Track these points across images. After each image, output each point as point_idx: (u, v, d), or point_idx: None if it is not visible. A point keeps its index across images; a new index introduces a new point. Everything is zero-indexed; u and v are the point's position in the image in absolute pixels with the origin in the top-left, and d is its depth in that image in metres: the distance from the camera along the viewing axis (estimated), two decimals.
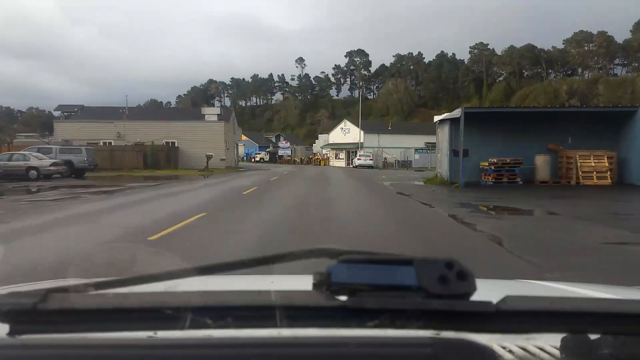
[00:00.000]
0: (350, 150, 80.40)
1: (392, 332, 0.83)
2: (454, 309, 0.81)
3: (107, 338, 0.86)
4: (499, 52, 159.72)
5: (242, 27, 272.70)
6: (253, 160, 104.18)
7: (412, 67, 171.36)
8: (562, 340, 0.92)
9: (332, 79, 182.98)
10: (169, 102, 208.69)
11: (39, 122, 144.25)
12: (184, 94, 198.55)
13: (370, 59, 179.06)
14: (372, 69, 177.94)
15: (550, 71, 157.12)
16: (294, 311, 0.83)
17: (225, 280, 1.94)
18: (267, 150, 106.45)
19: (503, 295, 0.84)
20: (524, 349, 1.04)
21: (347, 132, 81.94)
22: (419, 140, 77.67)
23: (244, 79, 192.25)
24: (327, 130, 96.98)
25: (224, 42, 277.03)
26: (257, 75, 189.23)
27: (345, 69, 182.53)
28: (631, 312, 0.84)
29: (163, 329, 0.87)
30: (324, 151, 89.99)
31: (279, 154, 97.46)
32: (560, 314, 0.83)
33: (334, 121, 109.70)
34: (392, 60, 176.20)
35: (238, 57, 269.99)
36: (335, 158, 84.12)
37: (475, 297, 0.84)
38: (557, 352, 0.96)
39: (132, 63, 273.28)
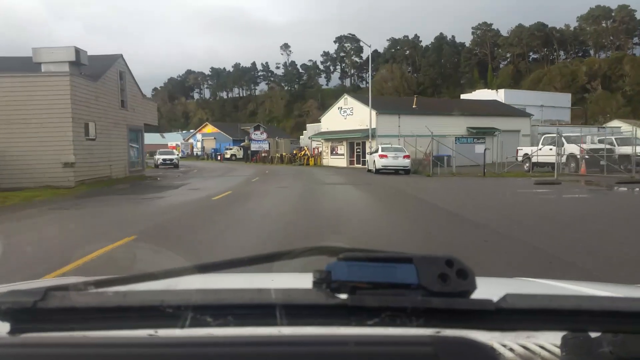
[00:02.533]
0: (355, 141, 48.71)
1: (392, 331, 0.79)
2: (454, 307, 0.77)
3: (107, 336, 0.82)
4: (504, 32, 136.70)
5: (226, 18, 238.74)
6: (220, 158, 72.73)
7: (407, 52, 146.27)
8: (563, 338, 0.88)
9: (321, 67, 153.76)
10: (145, 95, 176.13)
11: None
12: (160, 86, 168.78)
13: (361, 44, 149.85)
14: (364, 55, 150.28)
15: (561, 52, 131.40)
16: (294, 309, 0.79)
17: (226, 278, 1.73)
18: (241, 144, 75.38)
19: (503, 294, 0.80)
20: (524, 347, 0.98)
21: (348, 114, 50.16)
22: (458, 124, 46.31)
23: (224, 68, 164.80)
24: (319, 116, 66.93)
25: (206, 32, 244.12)
26: (239, 64, 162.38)
27: (334, 56, 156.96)
28: (631, 311, 0.80)
29: (163, 327, 0.83)
30: (315, 143, 58.54)
31: (252, 149, 65.70)
32: (560, 312, 0.79)
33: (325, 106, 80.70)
34: (386, 44, 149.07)
35: (219, 46, 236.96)
36: (332, 154, 52.68)
37: (475, 295, 0.79)
38: (557, 350, 0.91)
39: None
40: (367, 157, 37.24)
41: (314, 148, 60.09)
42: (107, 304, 0.82)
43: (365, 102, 47.97)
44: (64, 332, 0.81)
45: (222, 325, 0.78)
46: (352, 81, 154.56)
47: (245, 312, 0.79)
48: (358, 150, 48.69)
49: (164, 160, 47.91)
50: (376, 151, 33.64)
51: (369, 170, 34.78)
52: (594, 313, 0.78)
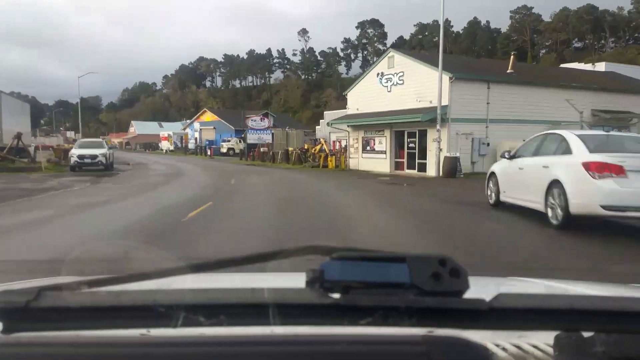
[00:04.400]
0: (407, 129, 26.38)
1: (385, 330, 0.75)
2: (446, 306, 0.74)
3: (100, 336, 0.79)
4: (546, 17, 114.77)
5: (243, 6, 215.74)
6: (210, 153, 51.24)
7: (436, 38, 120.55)
8: (556, 338, 0.83)
9: (341, 54, 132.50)
10: (155, 83, 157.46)
11: None
12: (171, 74, 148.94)
13: (385, 30, 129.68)
14: (388, 42, 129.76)
15: (611, 39, 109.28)
16: (287, 309, 0.76)
17: (219, 277, 1.63)
18: (242, 136, 53.93)
19: (496, 293, 0.78)
20: (517, 346, 0.94)
21: (395, 83, 27.83)
22: (573, 105, 23.96)
23: (238, 55, 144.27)
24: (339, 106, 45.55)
25: (220, 20, 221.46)
26: (254, 50, 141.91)
27: (356, 42, 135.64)
28: (624, 310, 0.78)
29: (156, 327, 0.79)
30: (334, 135, 36.81)
31: (249, 142, 43.81)
32: (553, 312, 0.76)
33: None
34: (413, 30, 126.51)
35: (233, 33, 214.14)
36: (366, 149, 30.22)
37: (468, 294, 0.76)
38: (550, 350, 0.87)
39: (132, 48, 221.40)
40: (497, 166, 11.74)
41: (334, 141, 38.09)
42: (100, 303, 0.79)
43: (427, 62, 25.79)
44: (57, 332, 0.78)
45: (215, 324, 0.75)
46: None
47: (238, 311, 0.76)
48: (412, 144, 26.49)
49: (82, 157, 26.27)
50: (513, 155, 10.73)
51: (498, 202, 11.29)
52: (587, 312, 0.76)
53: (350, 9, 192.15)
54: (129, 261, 5.67)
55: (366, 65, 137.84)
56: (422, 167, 25.51)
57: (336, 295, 0.75)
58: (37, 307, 0.76)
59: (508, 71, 26.90)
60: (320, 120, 66.80)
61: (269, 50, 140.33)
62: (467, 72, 25.86)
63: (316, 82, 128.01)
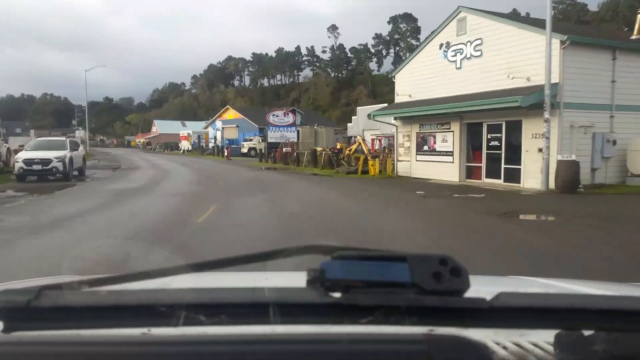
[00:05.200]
0: (488, 122, 17.19)
1: (386, 329, 0.74)
2: (447, 305, 0.73)
3: (101, 335, 0.77)
4: (593, 7, 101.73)
5: (272, 7, 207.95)
6: (227, 154, 43.32)
7: None
8: (556, 336, 0.82)
9: (372, 50, 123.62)
10: (183, 84, 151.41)
11: None
12: (200, 74, 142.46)
13: (419, 24, 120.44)
14: (422, 36, 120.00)
15: None
16: (288, 308, 0.75)
17: (220, 277, 1.61)
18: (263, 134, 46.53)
19: (497, 292, 0.76)
20: (518, 345, 0.91)
21: (470, 55, 18.92)
22: None
23: (266, 53, 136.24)
24: (370, 104, 37.35)
25: (249, 20, 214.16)
26: (282, 48, 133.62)
27: (388, 38, 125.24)
28: (625, 309, 0.77)
29: (157, 326, 0.78)
30: (368, 134, 28.59)
31: (269, 140, 35.54)
32: (554, 311, 0.75)
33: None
34: None
35: (262, 31, 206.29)
36: (421, 150, 21.91)
37: (469, 293, 0.75)
38: (551, 348, 0.85)
39: (163, 48, 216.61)
40: None
41: (372, 139, 29.72)
42: (100, 302, 0.78)
43: (518, 23, 17.21)
44: (58, 331, 0.76)
45: (216, 323, 0.73)
46: None
47: (239, 310, 0.75)
48: (495, 141, 17.89)
49: (30, 163, 18.46)
50: None
51: None
52: (588, 311, 0.74)
53: (381, 4, 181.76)
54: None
55: (398, 61, 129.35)
56: (513, 176, 16.85)
57: (337, 295, 0.73)
58: (38, 307, 0.74)
59: (633, 37, 17.97)
60: (353, 117, 58.52)
61: (297, 47, 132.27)
62: (584, 35, 17.09)
63: (346, 79, 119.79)
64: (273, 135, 36.18)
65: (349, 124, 59.72)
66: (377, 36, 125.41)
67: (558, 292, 1.52)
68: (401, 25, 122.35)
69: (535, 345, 0.88)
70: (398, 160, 22.57)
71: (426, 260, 0.74)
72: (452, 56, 19.49)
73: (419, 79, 21.11)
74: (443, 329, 0.74)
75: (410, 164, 21.70)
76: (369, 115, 23.61)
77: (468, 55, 18.78)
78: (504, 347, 0.89)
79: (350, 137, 34.31)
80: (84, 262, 6.23)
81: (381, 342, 0.74)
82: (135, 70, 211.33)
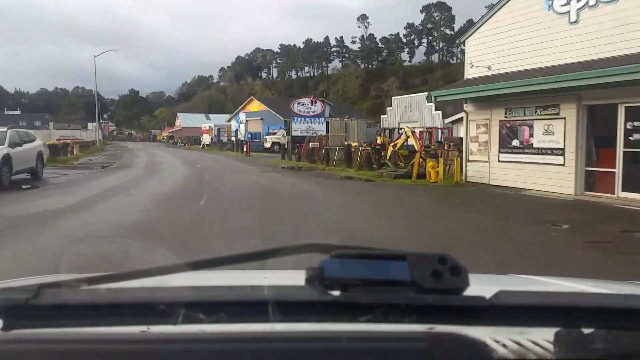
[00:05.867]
0: (626, 103, 9.90)
1: (385, 327, 0.73)
2: (447, 304, 0.72)
3: (100, 333, 0.76)
4: None
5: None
6: (246, 149, 36.87)
7: None
8: (556, 334, 0.80)
9: (404, 40, 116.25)
10: (211, 76, 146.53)
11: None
12: (227, 66, 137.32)
13: (453, 13, 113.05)
14: (456, 26, 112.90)
15: None
16: (286, 306, 0.73)
17: (219, 275, 1.54)
18: (286, 127, 39.83)
19: (496, 290, 0.75)
20: (517, 343, 0.88)
21: (590, 1, 11.65)
22: None
23: (294, 45, 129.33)
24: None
25: (278, 15, 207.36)
26: (311, 39, 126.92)
27: (420, 27, 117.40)
28: (624, 307, 0.75)
29: (156, 324, 0.76)
30: (408, 126, 21.76)
31: (294, 133, 28.84)
32: (553, 309, 0.74)
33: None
34: (484, 11, 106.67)
35: (289, 21, 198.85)
36: (506, 147, 14.69)
37: (468, 292, 0.74)
38: (550, 347, 0.83)
39: (192, 42, 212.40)
40: None
41: (420, 131, 22.96)
42: (99, 300, 0.76)
43: None
44: (57, 329, 0.74)
45: (215, 321, 0.72)
46: (441, 57, 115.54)
47: (238, 308, 0.73)
48: (637, 134, 10.72)
49: None
50: None
51: None
52: (588, 310, 0.73)
53: None
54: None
55: (431, 51, 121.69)
56: None
57: (336, 293, 0.72)
58: (37, 304, 0.73)
59: None
60: (387, 109, 51.81)
61: (326, 38, 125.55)
62: None
63: (376, 71, 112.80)
64: (298, 128, 29.74)
65: (382, 116, 52.99)
66: (409, 25, 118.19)
67: (558, 290, 1.45)
68: (434, 14, 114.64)
69: (534, 343, 0.86)
70: (468, 161, 15.73)
71: (425, 259, 0.73)
72: (563, 4, 12.51)
73: (504, 43, 14.18)
74: (443, 327, 0.73)
75: (489, 166, 14.85)
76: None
77: (592, 1, 11.79)
78: (504, 345, 0.87)
79: (391, 129, 27.47)
80: None
81: (381, 340, 0.73)
82: (165, 64, 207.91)
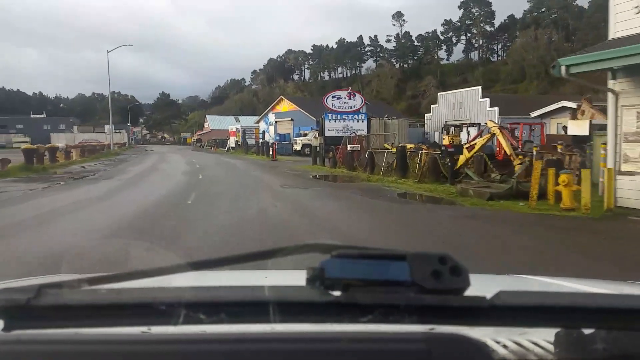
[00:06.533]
0: None
1: (386, 327, 0.71)
2: (447, 304, 0.70)
3: (101, 334, 0.74)
4: None
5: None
6: (272, 153, 30.59)
7: (556, 14, 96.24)
8: (556, 335, 0.79)
9: (441, 38, 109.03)
10: (244, 79, 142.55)
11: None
12: (259, 69, 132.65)
13: (492, 8, 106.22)
14: (497, 21, 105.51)
15: None
16: (287, 306, 0.72)
17: (219, 275, 1.52)
18: (318, 127, 33.44)
19: (497, 291, 0.74)
20: (518, 343, 0.87)
21: None
22: None
23: (327, 45, 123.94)
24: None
25: (309, 10, 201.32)
26: (344, 39, 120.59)
27: (458, 24, 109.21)
28: (625, 307, 0.74)
29: (157, 325, 0.75)
30: (458, 125, 14.77)
31: (327, 133, 22.46)
32: (554, 309, 0.72)
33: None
34: (527, 7, 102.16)
35: (321, 21, 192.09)
36: None
37: (469, 292, 0.72)
38: (551, 347, 0.82)
39: (226, 46, 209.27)
40: None
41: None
42: (100, 301, 0.74)
43: None
44: (58, 329, 0.73)
45: (216, 322, 0.71)
46: (480, 54, 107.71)
47: (239, 309, 0.72)
48: None
49: None
50: None
51: None
52: (588, 310, 0.72)
53: None
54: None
55: (470, 49, 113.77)
56: None
57: (337, 293, 0.70)
58: (37, 305, 0.71)
59: None
60: (432, 106, 45.15)
61: (360, 37, 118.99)
62: None
63: (412, 70, 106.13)
64: (333, 126, 23.56)
65: (426, 115, 46.37)
66: (447, 22, 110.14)
67: (559, 290, 1.42)
68: (473, 10, 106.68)
69: (535, 344, 0.84)
70: (619, 173, 9.16)
71: (426, 259, 0.71)
72: None
73: None
74: (443, 328, 0.72)
75: None
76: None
77: None
78: (504, 346, 0.85)
79: (457, 126, 20.88)
80: None
81: (381, 341, 0.71)
82: (200, 69, 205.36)
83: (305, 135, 40.25)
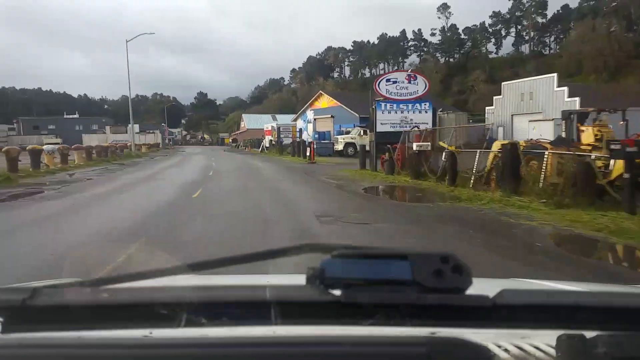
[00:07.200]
0: None
1: (387, 330, 0.71)
2: (449, 303, 0.69)
3: (102, 337, 0.72)
4: None
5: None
6: (310, 154, 24.54)
7: (616, 2, 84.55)
8: (558, 339, 0.76)
9: (490, 30, 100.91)
10: (282, 78, 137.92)
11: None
12: (299, 67, 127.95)
13: None
14: (549, 12, 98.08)
15: None
16: (287, 306, 0.71)
17: (219, 276, 1.42)
18: (366, 125, 27.60)
19: (499, 290, 0.73)
20: (519, 347, 0.84)
21: None
22: None
23: (368, 41, 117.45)
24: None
25: (349, 5, 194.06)
26: (386, 34, 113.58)
27: (508, 15, 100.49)
28: (628, 306, 0.72)
29: (158, 328, 0.74)
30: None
31: (380, 128, 16.19)
32: (557, 308, 0.71)
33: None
34: None
35: (362, 16, 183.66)
36: None
37: (470, 291, 0.71)
38: (552, 351, 0.79)
39: (265, 46, 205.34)
40: None
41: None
42: (98, 301, 0.72)
43: None
44: (59, 332, 0.71)
45: (217, 325, 0.70)
46: (531, 47, 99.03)
47: (239, 310, 0.71)
48: None
49: None
50: None
51: None
52: (592, 309, 0.70)
53: None
54: None
55: (520, 41, 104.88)
56: None
57: (337, 292, 0.69)
58: (34, 305, 0.68)
59: None
60: (495, 98, 38.54)
61: (403, 32, 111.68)
62: None
63: (459, 64, 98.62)
64: (387, 119, 17.48)
65: (487, 108, 39.58)
66: (495, 14, 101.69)
67: (561, 290, 1.37)
68: (524, 1, 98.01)
69: (537, 348, 0.82)
70: None
71: (427, 258, 0.69)
72: None
73: None
74: (445, 330, 0.70)
75: None
76: None
77: None
78: (506, 350, 0.82)
79: (582, 113, 14.37)
80: None
81: (382, 345, 0.69)
82: (240, 69, 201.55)
83: (348, 133, 34.24)
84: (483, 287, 0.74)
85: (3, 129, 64.34)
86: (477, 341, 0.69)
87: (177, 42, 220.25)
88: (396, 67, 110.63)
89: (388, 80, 17.37)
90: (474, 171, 11.28)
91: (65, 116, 77.07)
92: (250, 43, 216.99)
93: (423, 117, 17.14)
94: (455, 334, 0.69)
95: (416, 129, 16.93)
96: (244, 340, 0.69)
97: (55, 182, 14.93)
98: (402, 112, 17.11)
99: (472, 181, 11.14)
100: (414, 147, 13.62)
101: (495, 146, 11.88)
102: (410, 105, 17.08)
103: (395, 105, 17.02)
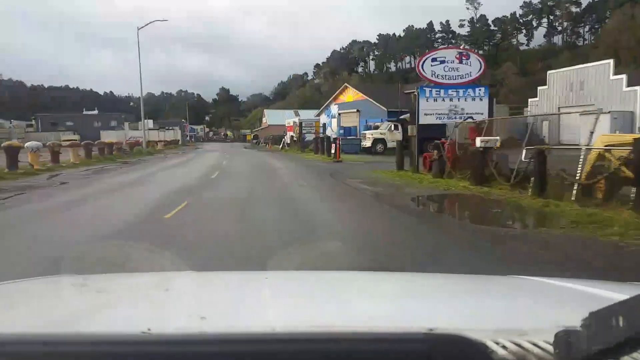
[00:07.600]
0: None
1: (386, 328, 0.72)
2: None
3: (100, 334, 0.72)
4: None
5: None
6: (335, 151, 20.89)
7: None
8: (556, 336, 0.76)
9: (521, 21, 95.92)
10: (306, 74, 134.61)
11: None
12: (322, 62, 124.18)
13: None
14: (583, 1, 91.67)
15: None
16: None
17: (220, 276, 1.45)
18: (401, 117, 23.45)
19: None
20: (517, 344, 0.84)
21: None
22: None
23: (394, 34, 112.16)
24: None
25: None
26: (412, 26, 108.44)
27: (539, 5, 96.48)
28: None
29: (157, 326, 0.74)
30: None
31: (424, 119, 12.59)
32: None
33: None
34: None
35: (387, 10, 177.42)
36: None
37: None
38: (550, 348, 0.79)
39: (288, 42, 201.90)
40: None
41: None
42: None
43: None
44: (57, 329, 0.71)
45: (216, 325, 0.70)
46: (564, 38, 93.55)
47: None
48: None
49: None
50: None
51: None
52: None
53: None
54: None
55: (553, 32, 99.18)
56: None
57: None
58: None
59: None
60: (539, 89, 34.86)
61: (430, 23, 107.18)
62: None
63: (488, 56, 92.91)
64: (431, 108, 13.79)
65: (530, 100, 35.59)
66: (526, 4, 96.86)
67: (558, 292, 1.35)
68: None
69: (534, 344, 0.82)
70: None
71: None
72: None
73: None
74: (443, 328, 0.70)
75: None
76: None
77: None
78: (504, 347, 0.82)
79: None
80: None
81: (382, 341, 0.69)
82: (263, 66, 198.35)
83: (377, 128, 30.66)
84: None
85: (21, 126, 62.47)
86: (476, 338, 0.69)
87: (202, 41, 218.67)
88: None
89: (434, 60, 13.74)
90: (576, 177, 7.70)
91: (84, 112, 75.16)
92: (274, 39, 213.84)
93: (477, 106, 13.59)
94: (454, 331, 0.69)
95: (470, 119, 13.34)
96: (243, 337, 0.69)
97: (10, 189, 11.63)
98: (450, 100, 13.61)
99: (574, 192, 7.57)
100: (478, 143, 10.10)
101: (600, 141, 8.27)
102: (461, 91, 13.56)
103: (443, 90, 13.55)
